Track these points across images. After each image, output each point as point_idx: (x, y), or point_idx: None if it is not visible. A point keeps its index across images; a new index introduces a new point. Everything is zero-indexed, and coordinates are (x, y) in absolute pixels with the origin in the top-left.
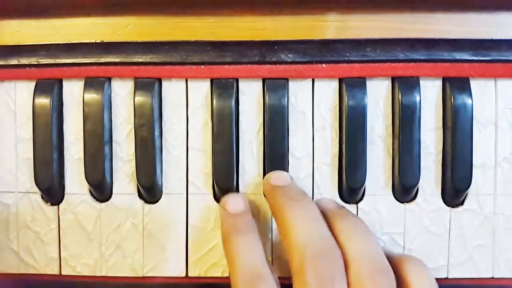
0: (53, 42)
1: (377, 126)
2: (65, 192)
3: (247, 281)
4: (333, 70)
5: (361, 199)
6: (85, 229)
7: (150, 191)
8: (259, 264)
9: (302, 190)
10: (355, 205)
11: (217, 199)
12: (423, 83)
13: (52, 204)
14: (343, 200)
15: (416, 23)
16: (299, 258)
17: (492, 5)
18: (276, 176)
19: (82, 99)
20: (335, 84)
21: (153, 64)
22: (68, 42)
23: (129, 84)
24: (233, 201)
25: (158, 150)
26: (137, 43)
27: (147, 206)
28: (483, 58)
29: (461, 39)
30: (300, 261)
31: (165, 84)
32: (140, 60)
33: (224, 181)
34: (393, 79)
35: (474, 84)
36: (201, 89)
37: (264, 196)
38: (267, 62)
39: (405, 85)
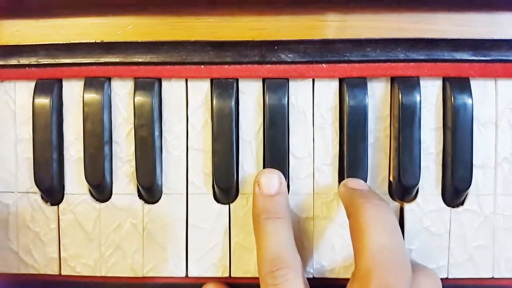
0: (53, 42)
1: (377, 126)
2: (65, 192)
3: (271, 266)
4: (333, 70)
5: None
6: (85, 229)
7: (150, 191)
8: (286, 250)
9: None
10: None
11: (217, 199)
12: (423, 83)
13: (52, 204)
14: None
15: (416, 23)
16: (368, 263)
17: (492, 5)
18: (355, 181)
19: (82, 99)
20: (335, 84)
21: (153, 64)
22: (68, 42)
23: (129, 84)
24: (267, 181)
25: (158, 150)
26: (137, 43)
27: (147, 206)
28: (483, 58)
29: (461, 39)
30: (369, 267)
31: (165, 84)
32: (140, 60)
33: (224, 181)
34: (393, 79)
35: (474, 84)
36: (201, 89)
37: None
38: (267, 62)
39: (405, 85)
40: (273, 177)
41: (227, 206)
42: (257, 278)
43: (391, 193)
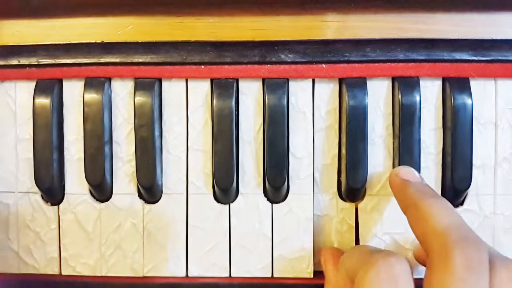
0: (53, 42)
1: (377, 126)
2: (65, 192)
3: (463, 244)
4: (333, 70)
5: (362, 199)
6: (85, 229)
7: (150, 191)
8: (470, 229)
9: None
10: (356, 205)
11: (217, 199)
12: (423, 83)
13: (52, 204)
14: (343, 200)
15: (416, 23)
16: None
17: (492, 5)
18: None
19: (82, 99)
20: (335, 84)
21: (153, 64)
22: (68, 42)
23: (129, 84)
24: (410, 172)
25: (158, 150)
26: (137, 43)
27: (147, 206)
28: (483, 58)
29: (461, 39)
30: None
31: (165, 84)
32: (140, 60)
33: (224, 181)
34: (393, 79)
35: (474, 84)
36: (201, 89)
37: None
38: (267, 62)
39: (405, 85)
40: (411, 169)
41: (227, 206)
42: (257, 278)
43: None
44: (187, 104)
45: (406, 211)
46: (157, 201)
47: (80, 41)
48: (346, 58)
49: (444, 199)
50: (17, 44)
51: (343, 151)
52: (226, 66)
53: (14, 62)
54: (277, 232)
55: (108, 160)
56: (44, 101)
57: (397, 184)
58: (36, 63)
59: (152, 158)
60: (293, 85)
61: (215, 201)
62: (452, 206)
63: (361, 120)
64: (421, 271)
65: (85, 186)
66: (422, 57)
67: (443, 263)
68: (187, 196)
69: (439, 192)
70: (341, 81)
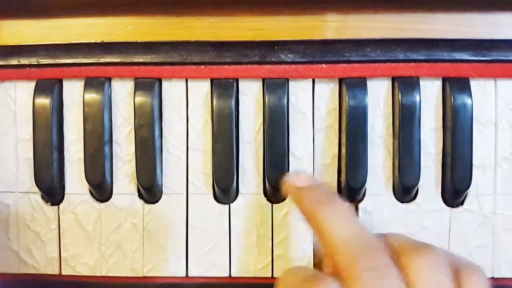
0: (53, 42)
1: (377, 126)
2: (65, 192)
3: (364, 254)
4: (333, 70)
5: (362, 199)
6: (85, 229)
7: (150, 191)
8: (368, 234)
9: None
10: (356, 205)
11: (217, 199)
12: (423, 83)
13: (52, 204)
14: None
15: (416, 23)
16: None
17: (492, 5)
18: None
19: (82, 99)
20: (335, 84)
21: (153, 64)
22: (68, 42)
23: (129, 84)
24: (299, 177)
25: (158, 150)
26: (137, 43)
27: (147, 206)
28: (483, 58)
29: (461, 39)
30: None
31: (165, 84)
32: (140, 60)
33: (224, 181)
34: (393, 79)
35: (474, 84)
36: (201, 89)
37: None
38: (267, 62)
39: (405, 85)
40: (302, 173)
41: (227, 206)
42: (257, 278)
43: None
44: (187, 104)
45: (308, 222)
46: (157, 201)
47: (80, 41)
48: (346, 58)
49: (339, 204)
50: (17, 44)
51: (343, 151)
52: (226, 66)
53: (14, 62)
54: (277, 232)
55: (108, 160)
56: (44, 101)
57: (292, 193)
58: (36, 63)
59: (152, 158)
60: (293, 85)
61: (215, 201)
62: (348, 211)
63: (361, 120)
64: None
65: (85, 186)
66: (422, 57)
67: (350, 278)
68: (187, 196)
69: (439, 192)
70: (341, 81)
